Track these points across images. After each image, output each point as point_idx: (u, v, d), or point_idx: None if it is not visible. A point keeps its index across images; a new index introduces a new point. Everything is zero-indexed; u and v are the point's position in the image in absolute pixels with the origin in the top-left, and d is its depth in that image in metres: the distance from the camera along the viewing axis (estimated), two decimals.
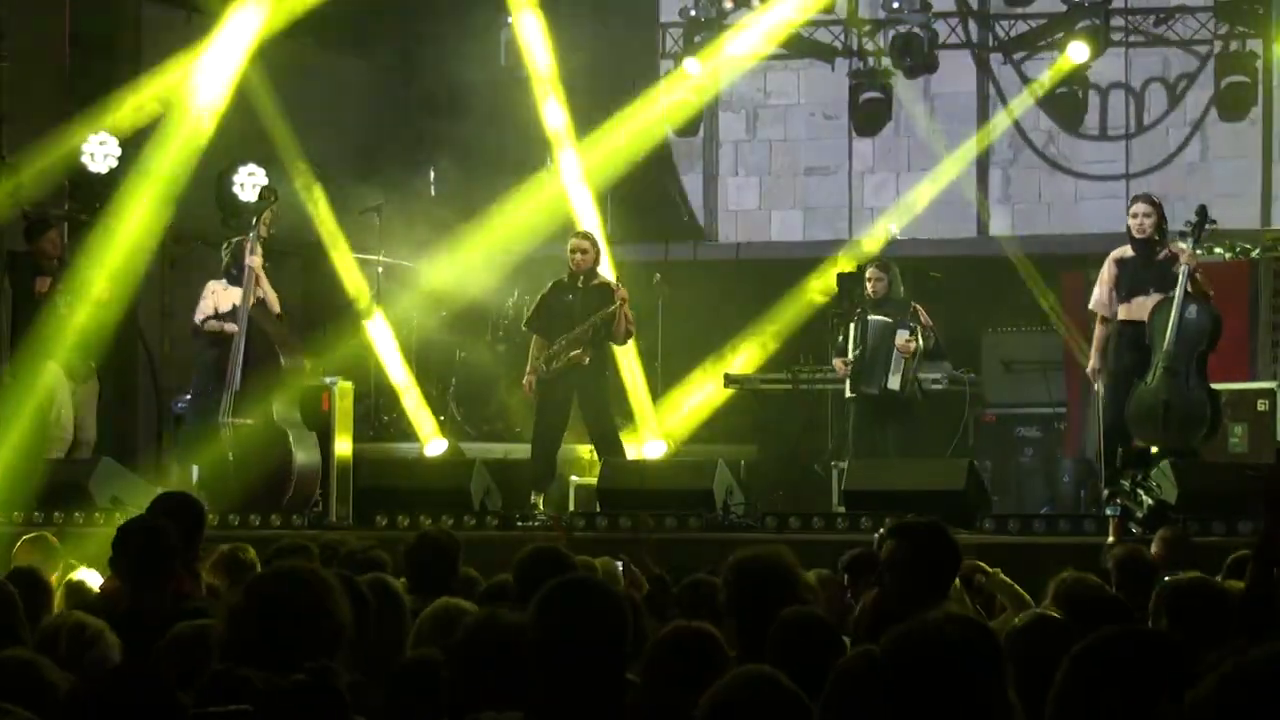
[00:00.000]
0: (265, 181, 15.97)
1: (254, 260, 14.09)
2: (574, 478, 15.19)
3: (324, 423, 14.21)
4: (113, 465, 14.15)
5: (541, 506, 14.09)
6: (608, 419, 14.67)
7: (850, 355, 14.65)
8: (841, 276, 16.55)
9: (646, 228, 19.33)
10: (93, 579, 8.62)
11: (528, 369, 14.47)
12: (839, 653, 5.50)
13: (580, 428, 14.80)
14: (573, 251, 14.50)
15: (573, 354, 14.23)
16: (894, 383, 14.54)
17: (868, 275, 14.82)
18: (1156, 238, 13.16)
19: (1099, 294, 13.36)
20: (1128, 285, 13.17)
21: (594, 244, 14.63)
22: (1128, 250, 13.29)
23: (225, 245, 14.58)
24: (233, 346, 13.95)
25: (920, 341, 14.53)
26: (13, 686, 5.00)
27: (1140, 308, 13.13)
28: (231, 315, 14.16)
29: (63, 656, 5.85)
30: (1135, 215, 13.21)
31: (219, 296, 14.38)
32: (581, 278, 14.41)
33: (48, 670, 5.16)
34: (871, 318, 14.63)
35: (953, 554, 6.72)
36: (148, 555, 7.29)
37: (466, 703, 4.97)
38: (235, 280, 14.30)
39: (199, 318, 14.41)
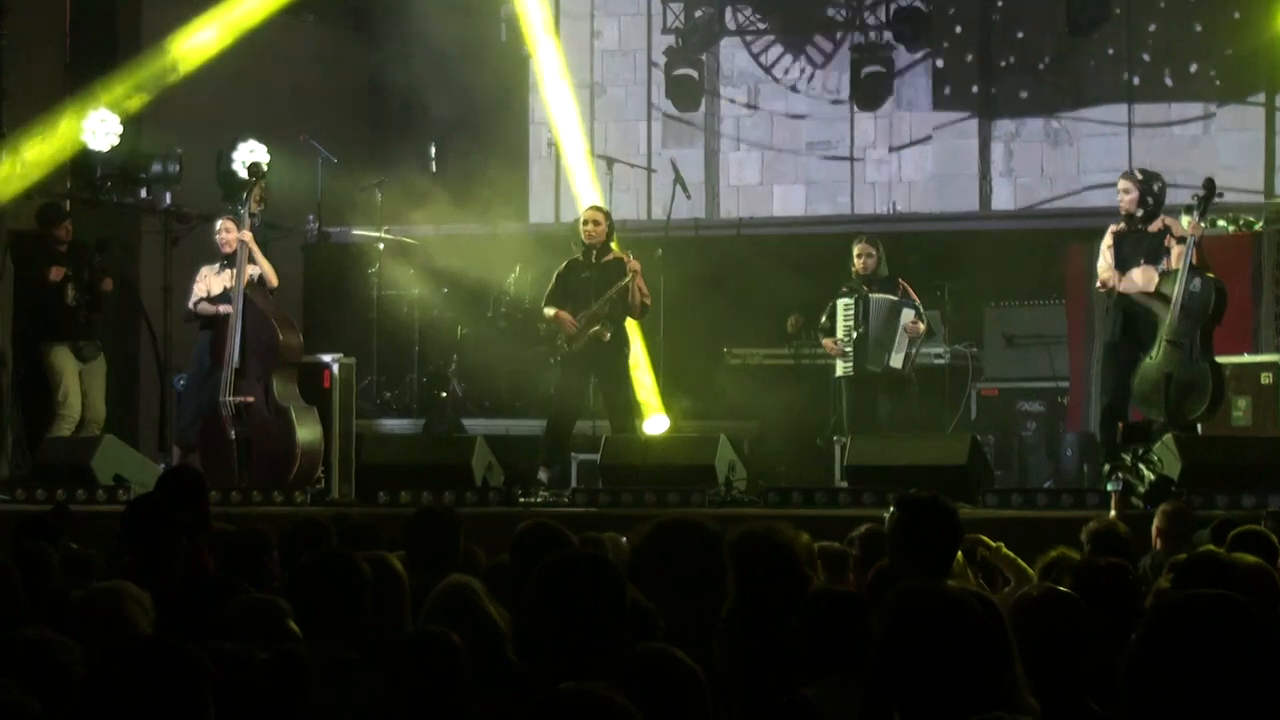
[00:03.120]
0: (264, 159, 15.94)
1: (245, 234, 14.11)
2: (574, 454, 15.17)
3: (325, 400, 14.22)
4: (115, 443, 14.19)
5: (547, 482, 14.12)
6: (625, 398, 14.72)
7: (841, 333, 14.62)
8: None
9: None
10: None
11: (567, 320, 14.42)
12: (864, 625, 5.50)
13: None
14: (585, 223, 14.57)
15: (593, 330, 14.27)
16: (897, 361, 14.54)
17: (857, 251, 14.78)
18: (1140, 213, 13.16)
19: (1107, 259, 13.30)
20: (1122, 259, 13.18)
21: (606, 217, 14.65)
22: (1123, 224, 13.31)
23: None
24: (229, 325, 13.95)
25: (924, 322, 14.60)
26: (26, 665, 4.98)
27: (1131, 281, 13.13)
28: (223, 297, 14.19)
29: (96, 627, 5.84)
30: (1119, 190, 13.28)
31: (209, 280, 14.40)
32: (595, 253, 14.45)
33: (61, 650, 5.14)
34: (874, 296, 14.61)
35: (953, 527, 6.71)
36: (155, 533, 7.27)
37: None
38: (225, 262, 14.32)
39: (190, 302, 14.45)
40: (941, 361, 15.50)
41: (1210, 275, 12.95)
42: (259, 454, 13.82)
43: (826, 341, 14.78)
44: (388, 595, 6.29)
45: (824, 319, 14.82)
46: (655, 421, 16.22)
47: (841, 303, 14.72)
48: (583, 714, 3.76)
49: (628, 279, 14.25)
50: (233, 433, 13.83)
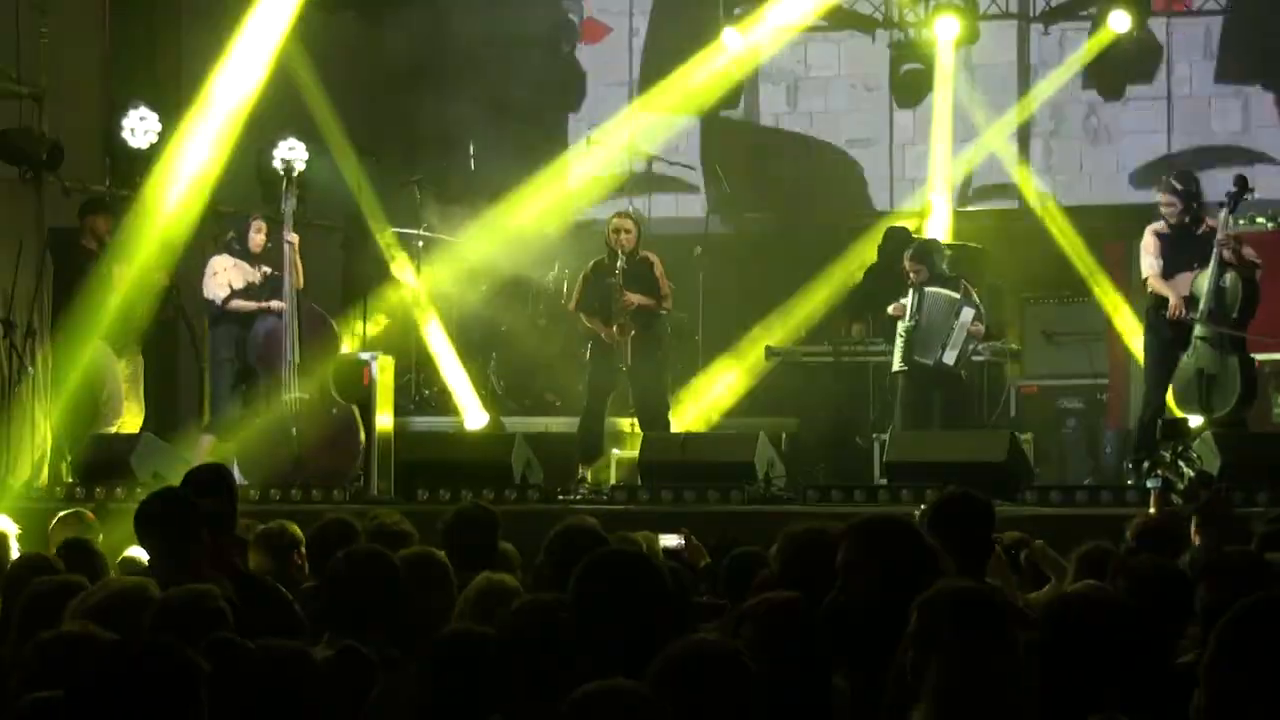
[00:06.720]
0: (305, 155, 15.98)
1: (292, 237, 14.17)
2: (615, 451, 15.17)
3: (365, 397, 14.24)
4: (154, 441, 14.22)
5: (589, 479, 14.15)
6: (657, 394, 14.71)
7: (903, 325, 14.59)
8: (892, 230, 16.75)
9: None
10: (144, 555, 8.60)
11: (601, 328, 14.53)
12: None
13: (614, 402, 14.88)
14: (615, 231, 14.54)
15: (628, 333, 14.36)
16: (950, 358, 14.48)
17: (907, 268, 14.74)
18: (1187, 219, 13.13)
19: (1148, 262, 13.28)
20: (1169, 261, 13.12)
21: (637, 224, 14.66)
22: (1164, 225, 13.25)
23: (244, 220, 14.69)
24: (283, 322, 14.02)
25: (983, 324, 14.58)
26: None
27: (1183, 283, 13.07)
28: (257, 291, 14.26)
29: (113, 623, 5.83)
30: (1162, 204, 13.23)
31: (231, 273, 14.42)
32: (625, 259, 14.47)
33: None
34: (929, 289, 14.54)
35: (982, 518, 6.74)
36: (170, 529, 7.27)
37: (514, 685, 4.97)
38: (237, 254, 14.38)
39: (220, 295, 14.41)
40: (981, 359, 15.46)
41: (1241, 272, 12.91)
42: (316, 451, 13.86)
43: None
44: (437, 592, 6.31)
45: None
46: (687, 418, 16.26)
47: (909, 295, 14.66)
48: (615, 711, 3.77)
49: (663, 295, 14.50)
50: (294, 430, 13.88)
